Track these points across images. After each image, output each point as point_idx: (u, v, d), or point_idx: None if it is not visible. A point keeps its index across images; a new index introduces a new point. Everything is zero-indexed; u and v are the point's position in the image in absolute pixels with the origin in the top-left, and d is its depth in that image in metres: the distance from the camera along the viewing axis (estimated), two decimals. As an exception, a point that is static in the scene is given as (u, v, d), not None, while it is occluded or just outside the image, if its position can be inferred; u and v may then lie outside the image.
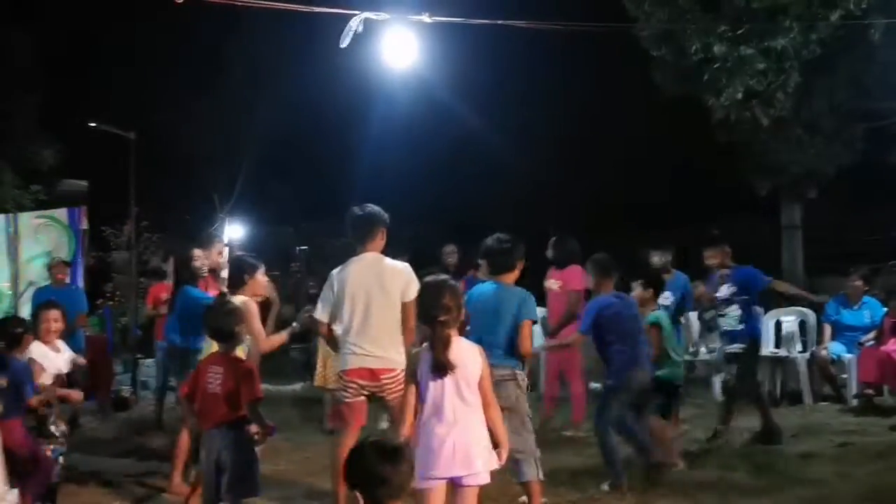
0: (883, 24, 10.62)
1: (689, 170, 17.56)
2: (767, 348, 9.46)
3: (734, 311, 7.13)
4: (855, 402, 8.57)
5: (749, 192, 15.61)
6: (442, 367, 3.83)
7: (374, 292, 5.15)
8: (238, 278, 5.88)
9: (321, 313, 5.31)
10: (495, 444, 3.94)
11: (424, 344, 4.01)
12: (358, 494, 2.70)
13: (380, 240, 5.34)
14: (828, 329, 9.18)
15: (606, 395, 5.97)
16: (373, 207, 5.40)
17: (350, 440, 5.03)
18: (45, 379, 5.58)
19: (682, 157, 17.26)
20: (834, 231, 17.47)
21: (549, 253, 7.62)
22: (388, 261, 5.29)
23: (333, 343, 5.39)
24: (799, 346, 9.32)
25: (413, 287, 5.04)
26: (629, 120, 17.60)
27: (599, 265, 6.03)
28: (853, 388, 8.73)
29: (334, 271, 5.34)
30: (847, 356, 8.89)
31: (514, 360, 5.06)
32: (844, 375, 8.94)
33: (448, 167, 18.95)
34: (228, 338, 4.50)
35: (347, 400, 5.15)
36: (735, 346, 7.16)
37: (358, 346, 5.14)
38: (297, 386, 11.09)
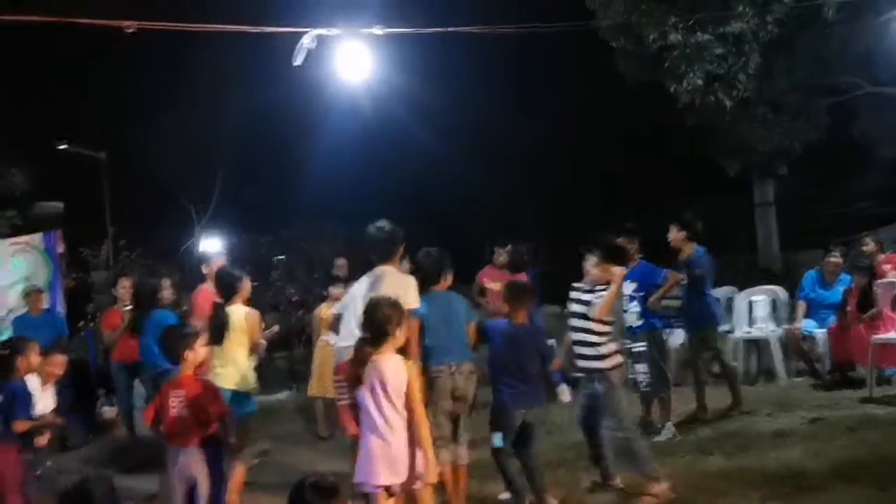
0: (836, 1, 10.78)
1: (660, 154, 17.71)
2: (741, 329, 9.62)
3: (633, 307, 7.01)
4: (829, 377, 8.74)
5: (721, 172, 15.78)
6: (356, 382, 4.12)
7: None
8: (230, 289, 6.06)
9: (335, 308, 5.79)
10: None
11: None
12: None
13: (396, 257, 5.52)
14: (801, 306, 9.24)
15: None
16: (389, 228, 5.50)
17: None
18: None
19: (653, 142, 17.41)
20: (807, 206, 17.67)
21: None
22: (393, 273, 5.39)
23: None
24: (772, 325, 9.44)
25: (407, 296, 5.13)
26: (597, 112, 17.73)
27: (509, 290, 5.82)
28: (826, 362, 8.89)
29: (354, 285, 5.65)
30: (819, 332, 9.04)
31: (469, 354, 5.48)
32: (820, 350, 9.08)
33: (420, 170, 19.04)
34: (180, 360, 4.62)
35: (342, 402, 5.41)
36: (638, 344, 7.03)
37: (348, 342, 5.28)
38: (283, 395, 11.14)
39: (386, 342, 4.12)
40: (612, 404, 5.58)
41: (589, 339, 5.62)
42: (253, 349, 6.21)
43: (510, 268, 8.68)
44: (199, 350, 4.68)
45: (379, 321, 4.13)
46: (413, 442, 4.07)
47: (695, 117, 13.66)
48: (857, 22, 11.71)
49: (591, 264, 5.66)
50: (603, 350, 5.61)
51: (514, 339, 5.57)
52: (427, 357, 5.25)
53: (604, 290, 5.57)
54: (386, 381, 4.04)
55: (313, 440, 8.32)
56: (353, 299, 5.45)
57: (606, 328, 5.63)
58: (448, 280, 5.58)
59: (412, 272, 5.65)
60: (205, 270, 7.78)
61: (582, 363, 5.71)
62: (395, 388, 4.06)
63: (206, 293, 7.00)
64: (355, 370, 4.11)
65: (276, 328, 6.77)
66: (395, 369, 4.09)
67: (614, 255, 5.75)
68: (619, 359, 5.75)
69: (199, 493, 4.41)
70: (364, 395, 4.08)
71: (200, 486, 4.41)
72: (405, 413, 4.08)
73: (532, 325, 5.85)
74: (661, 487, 5.46)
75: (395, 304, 4.21)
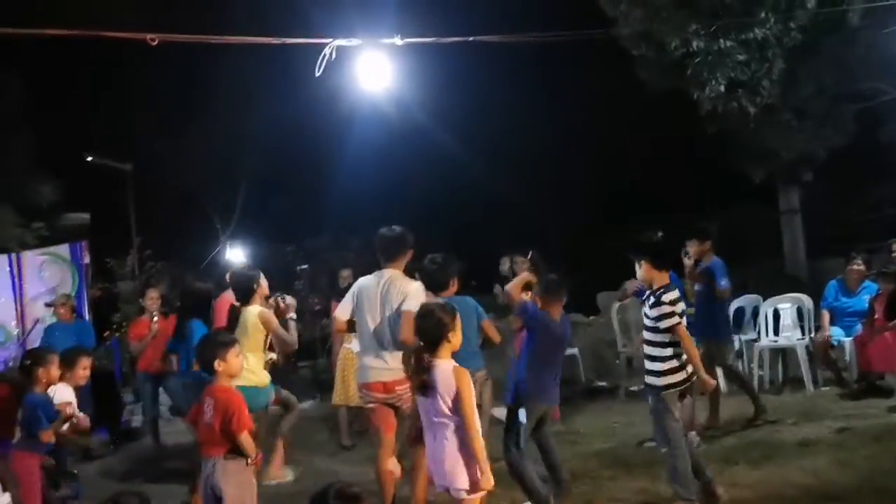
0: (861, 7, 10.68)
1: (683, 161, 17.62)
2: (767, 337, 9.52)
3: None
4: (856, 386, 8.63)
5: (745, 179, 15.66)
6: (420, 388, 4.17)
7: (386, 308, 5.40)
8: (247, 291, 6.11)
9: (339, 312, 5.66)
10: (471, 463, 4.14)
11: None
12: None
13: (403, 259, 5.59)
14: (826, 314, 9.14)
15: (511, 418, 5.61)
16: (400, 230, 5.61)
17: (386, 446, 5.46)
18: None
19: (675, 150, 17.32)
20: (833, 213, 17.47)
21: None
22: (402, 279, 5.47)
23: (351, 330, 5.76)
24: (798, 333, 9.34)
25: (411, 300, 5.24)
26: (618, 120, 17.67)
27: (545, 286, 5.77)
28: (854, 371, 8.78)
29: (359, 280, 5.68)
30: (846, 339, 8.94)
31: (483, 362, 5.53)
32: (847, 358, 8.98)
33: (441, 179, 19.07)
34: (212, 371, 4.66)
35: (370, 405, 5.49)
36: None
37: (371, 360, 5.43)
38: (307, 404, 11.16)
39: (441, 347, 4.18)
40: (661, 421, 5.45)
41: (649, 353, 5.52)
42: (284, 350, 6.27)
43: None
44: (230, 360, 4.67)
45: (432, 327, 4.20)
46: (463, 449, 4.09)
47: (717, 124, 13.57)
48: (882, 27, 11.58)
49: (640, 273, 5.55)
50: (660, 366, 5.43)
51: (557, 333, 5.59)
52: None
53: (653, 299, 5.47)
54: (437, 385, 4.11)
55: (337, 450, 8.35)
56: (359, 308, 5.47)
57: (667, 337, 5.42)
58: (455, 286, 5.59)
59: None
60: (229, 279, 7.85)
61: (645, 375, 5.64)
62: (444, 393, 4.10)
63: (227, 301, 7.06)
64: (419, 379, 4.16)
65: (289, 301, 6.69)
66: (444, 375, 4.13)
67: (660, 259, 5.59)
68: (679, 377, 5.46)
69: None
70: (420, 399, 4.20)
71: (226, 498, 4.42)
72: (455, 419, 4.10)
73: (565, 322, 5.82)
74: None
75: (447, 309, 4.27)
